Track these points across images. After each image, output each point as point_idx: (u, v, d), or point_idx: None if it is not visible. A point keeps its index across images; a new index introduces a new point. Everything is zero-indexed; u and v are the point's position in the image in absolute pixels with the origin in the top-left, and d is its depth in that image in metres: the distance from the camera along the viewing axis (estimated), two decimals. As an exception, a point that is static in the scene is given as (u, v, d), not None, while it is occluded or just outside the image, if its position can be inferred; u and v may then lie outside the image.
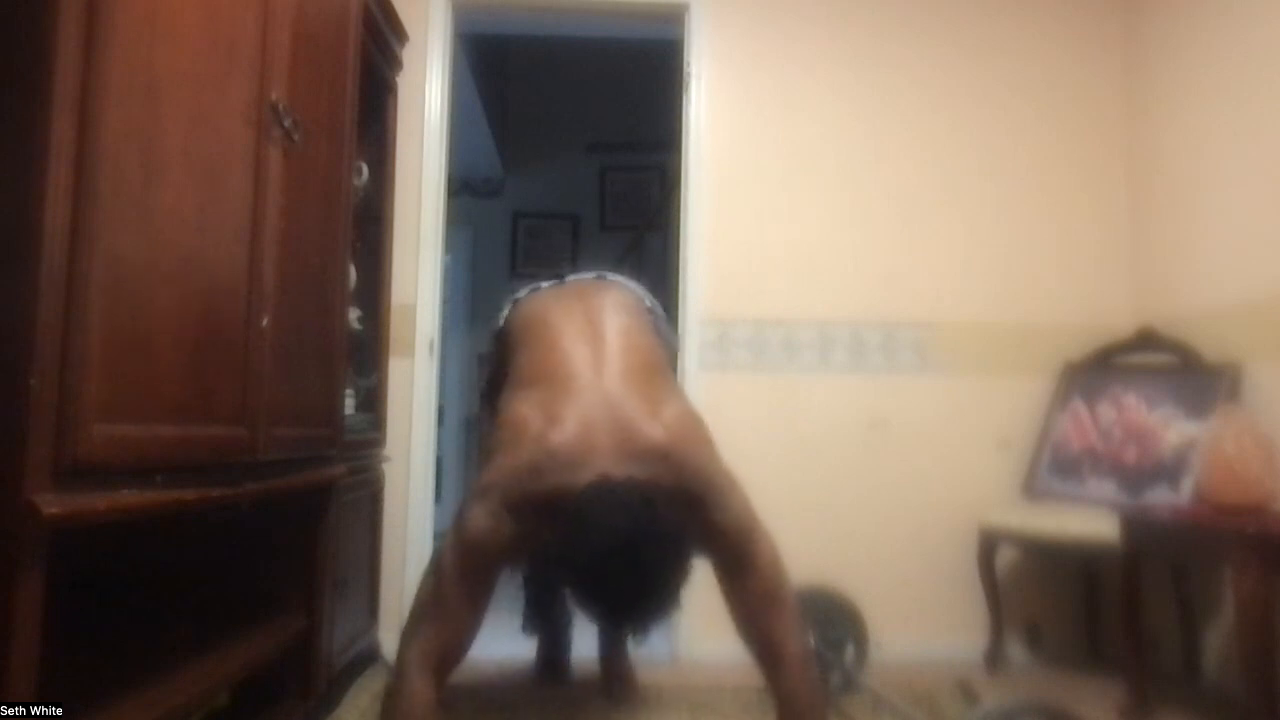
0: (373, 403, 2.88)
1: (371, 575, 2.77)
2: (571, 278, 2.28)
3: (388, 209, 2.99)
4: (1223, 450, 2.33)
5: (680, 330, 3.21)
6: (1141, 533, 2.45)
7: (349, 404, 2.57)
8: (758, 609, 1.64)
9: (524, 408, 1.68)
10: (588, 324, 1.89)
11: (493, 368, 2.25)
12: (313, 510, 2.13)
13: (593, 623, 1.90)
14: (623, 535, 1.40)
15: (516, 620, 2.62)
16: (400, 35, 3.04)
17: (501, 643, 2.71)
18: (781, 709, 1.63)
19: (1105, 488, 2.86)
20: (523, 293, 2.24)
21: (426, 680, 1.55)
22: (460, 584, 1.58)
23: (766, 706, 2.47)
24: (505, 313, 2.20)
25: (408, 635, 1.61)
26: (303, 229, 1.95)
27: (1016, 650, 3.10)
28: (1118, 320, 3.20)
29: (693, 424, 1.72)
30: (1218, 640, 2.70)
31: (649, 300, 2.19)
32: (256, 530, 2.00)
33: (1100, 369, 3.13)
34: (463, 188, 5.65)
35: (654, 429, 1.61)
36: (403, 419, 3.04)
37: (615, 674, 2.52)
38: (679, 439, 1.64)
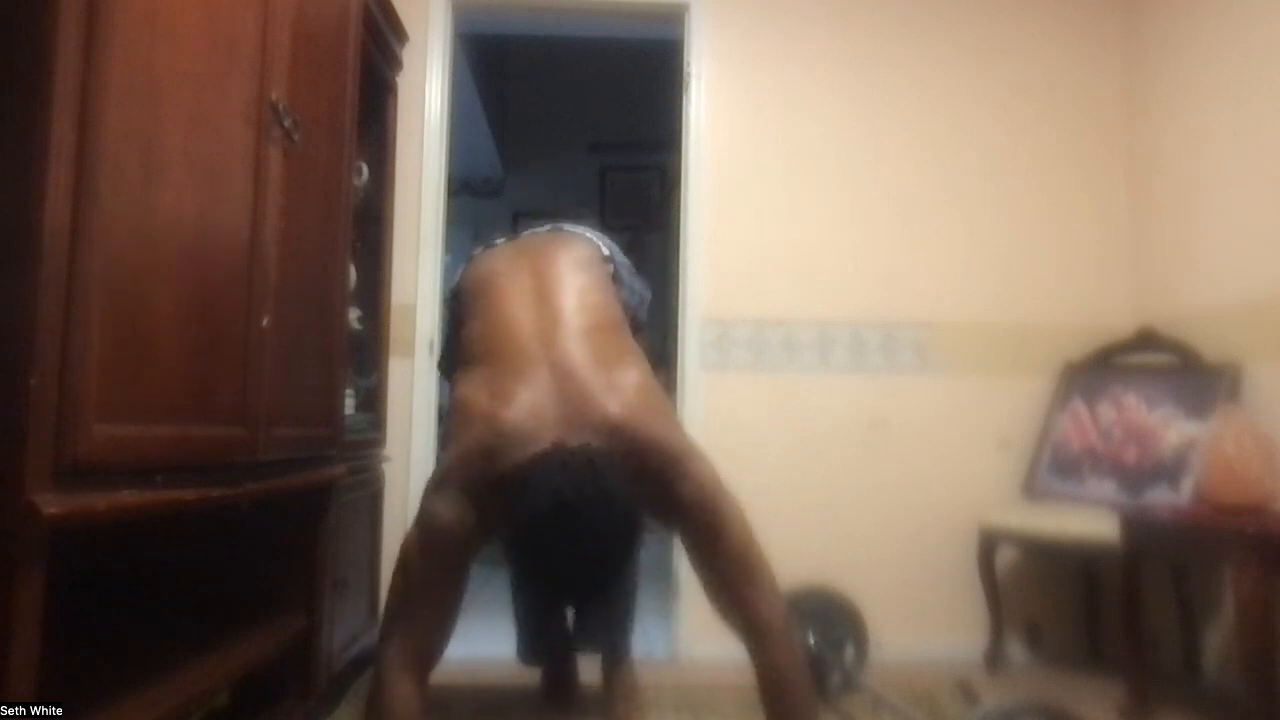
0: (373, 403, 2.88)
1: (371, 575, 2.77)
2: (527, 232, 2.18)
3: (388, 209, 2.99)
4: (1223, 450, 2.33)
5: (680, 330, 3.21)
6: (1141, 533, 2.45)
7: (349, 404, 2.57)
8: (730, 581, 1.56)
9: (470, 389, 1.63)
10: (536, 286, 1.80)
11: (447, 333, 2.14)
12: (313, 510, 2.13)
13: (539, 597, 1.79)
14: (569, 498, 1.35)
15: (512, 621, 2.61)
16: (400, 35, 3.04)
17: (500, 643, 2.71)
18: (763, 679, 1.56)
19: (1105, 488, 2.86)
20: (478, 250, 2.13)
21: (407, 680, 1.51)
22: (430, 579, 1.54)
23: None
24: (460, 272, 2.08)
25: (384, 637, 1.56)
26: (303, 229, 1.95)
27: (1016, 650, 3.10)
28: (1118, 320, 3.20)
29: (650, 394, 1.65)
30: (1218, 640, 2.70)
31: (607, 248, 2.08)
32: (256, 530, 2.00)
33: (1100, 369, 3.13)
34: (463, 188, 5.65)
35: (609, 402, 1.54)
36: (403, 419, 3.04)
37: (616, 686, 2.45)
38: (636, 411, 1.56)
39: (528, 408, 1.52)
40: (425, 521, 1.54)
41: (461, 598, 1.59)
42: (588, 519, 1.36)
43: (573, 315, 1.72)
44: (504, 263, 1.95)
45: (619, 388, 1.58)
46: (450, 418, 1.66)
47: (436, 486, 1.55)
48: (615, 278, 2.03)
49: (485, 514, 1.51)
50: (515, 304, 1.77)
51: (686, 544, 1.61)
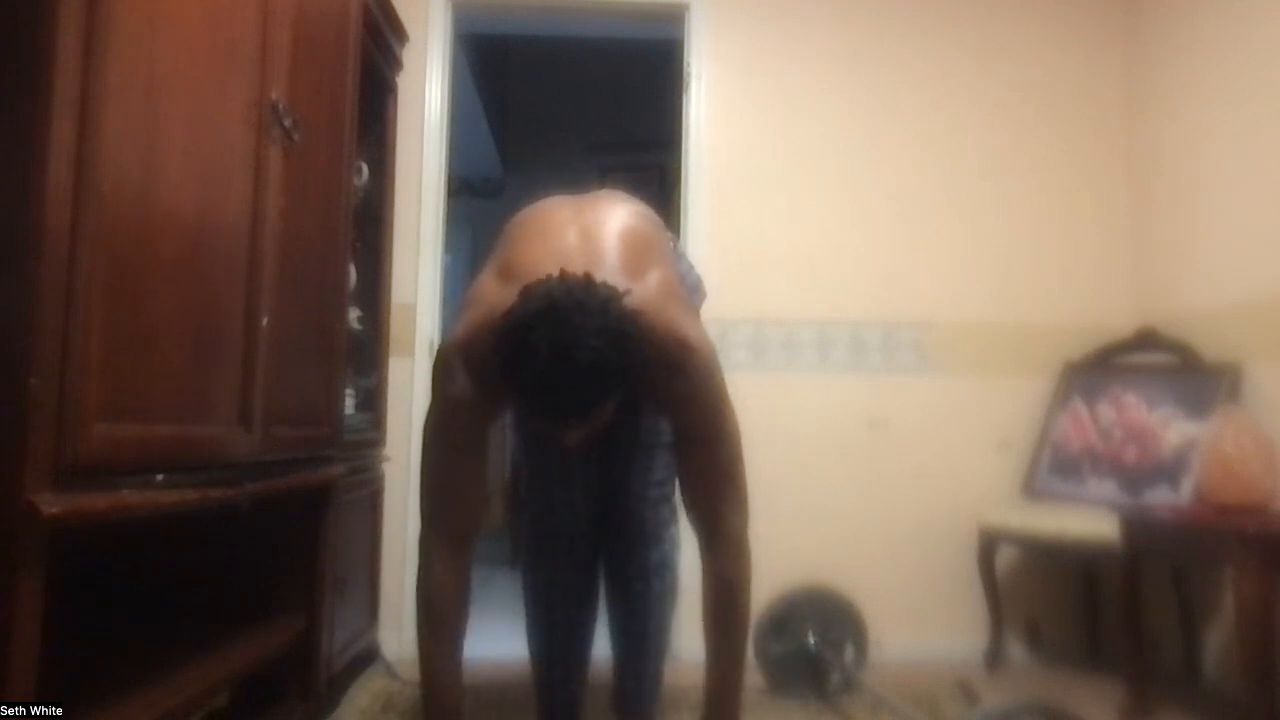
0: (373, 403, 2.88)
1: (371, 575, 2.77)
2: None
3: (388, 209, 2.99)
4: (1223, 450, 2.33)
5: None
6: (1141, 533, 2.45)
7: (349, 404, 2.57)
8: (711, 491, 1.59)
9: (483, 277, 1.63)
10: (580, 204, 1.78)
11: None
12: (313, 510, 2.13)
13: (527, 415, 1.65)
14: (562, 302, 1.32)
15: (512, 621, 2.60)
16: (400, 35, 3.04)
17: (501, 643, 2.71)
18: (711, 587, 1.60)
19: (1105, 488, 2.86)
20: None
21: (443, 558, 1.62)
22: (449, 459, 1.62)
23: (767, 707, 2.47)
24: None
25: (422, 521, 1.67)
26: (303, 229, 1.95)
27: (1016, 650, 3.10)
28: (1118, 320, 3.20)
29: (674, 289, 1.62)
30: (1218, 640, 2.70)
31: (667, 232, 1.99)
32: (256, 530, 2.00)
33: (1100, 369, 3.13)
34: (463, 188, 5.65)
35: (631, 285, 1.49)
36: (403, 419, 3.04)
37: None
38: (658, 298, 1.54)
39: (541, 272, 1.46)
40: (436, 401, 1.61)
41: (484, 471, 1.67)
42: (578, 328, 1.31)
43: (612, 225, 1.68)
44: (550, 200, 1.89)
45: (644, 277, 1.56)
46: (462, 301, 1.66)
47: (442, 367, 1.59)
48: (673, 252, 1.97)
49: (491, 386, 1.51)
50: (553, 211, 1.77)
51: (679, 441, 1.63)
